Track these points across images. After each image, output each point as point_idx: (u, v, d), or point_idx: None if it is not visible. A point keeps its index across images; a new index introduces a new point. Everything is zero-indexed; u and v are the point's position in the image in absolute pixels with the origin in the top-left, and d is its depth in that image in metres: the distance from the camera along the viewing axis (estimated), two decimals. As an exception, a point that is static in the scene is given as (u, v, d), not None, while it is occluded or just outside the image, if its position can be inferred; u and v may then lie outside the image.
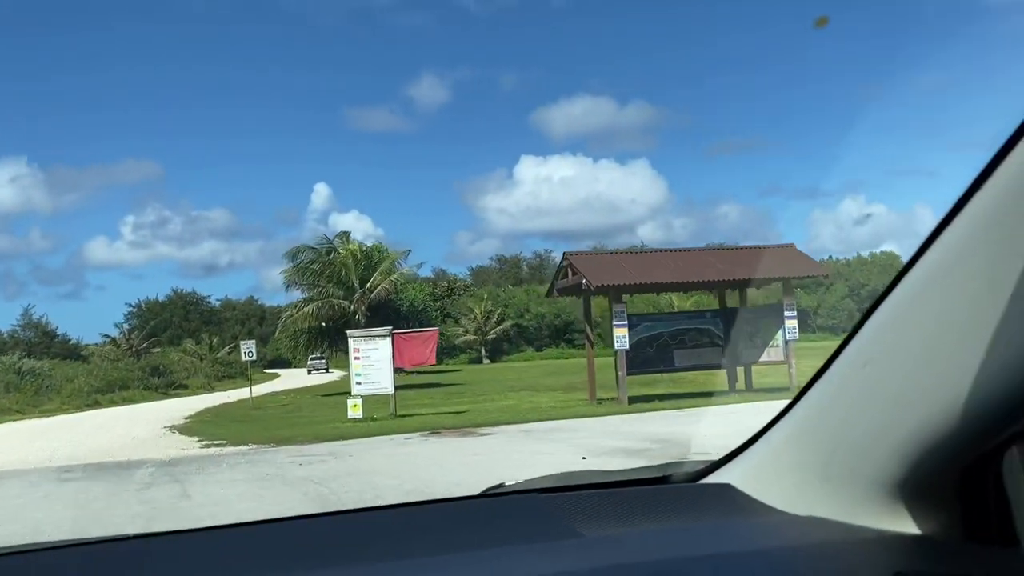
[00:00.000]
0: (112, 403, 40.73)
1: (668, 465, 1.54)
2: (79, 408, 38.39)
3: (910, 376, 0.93)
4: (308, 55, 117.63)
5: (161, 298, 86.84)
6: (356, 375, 19.89)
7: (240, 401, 31.22)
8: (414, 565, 1.09)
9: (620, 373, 17.84)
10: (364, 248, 32.60)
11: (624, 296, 18.26)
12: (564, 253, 19.57)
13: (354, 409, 19.39)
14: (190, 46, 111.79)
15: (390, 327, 21.02)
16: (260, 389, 41.89)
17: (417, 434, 15.48)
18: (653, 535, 1.20)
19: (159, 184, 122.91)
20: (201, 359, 59.38)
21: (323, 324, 31.96)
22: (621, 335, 17.81)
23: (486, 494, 1.51)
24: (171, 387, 49.11)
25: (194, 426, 21.44)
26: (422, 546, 1.17)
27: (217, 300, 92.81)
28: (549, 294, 20.67)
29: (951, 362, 0.85)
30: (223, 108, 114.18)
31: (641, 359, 18.18)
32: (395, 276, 32.16)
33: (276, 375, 66.08)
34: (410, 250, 33.22)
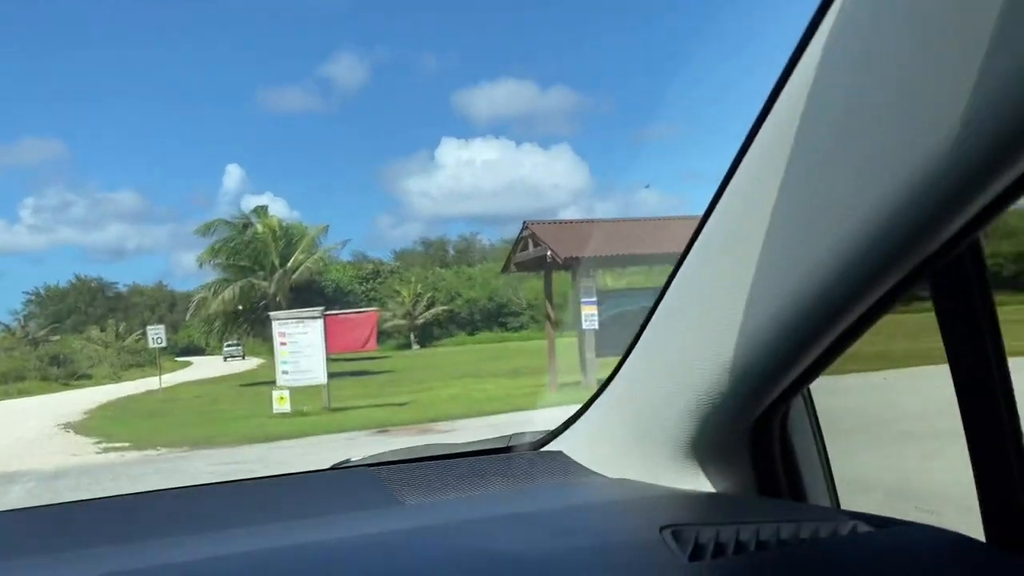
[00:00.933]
0: (6, 395, 36.52)
1: (511, 436, 1.54)
2: (-33, 402, 34.32)
3: (692, 344, 1.01)
4: (220, 30, 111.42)
5: (63, 284, 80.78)
6: (282, 363, 17.19)
7: (149, 392, 27.84)
8: (246, 533, 1.11)
9: (588, 355, 15.70)
10: (283, 225, 29.51)
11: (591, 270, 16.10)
12: (525, 222, 17.26)
13: (280, 402, 16.70)
14: (96, 18, 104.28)
15: (321, 308, 18.33)
16: (172, 379, 38.34)
17: (361, 433, 12.98)
18: (472, 500, 1.23)
19: (62, 165, 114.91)
20: (107, 347, 54.70)
21: (240, 307, 28.80)
22: (590, 313, 15.66)
23: (334, 467, 1.55)
24: (73, 377, 44.83)
25: (93, 423, 18.32)
26: (263, 516, 1.21)
27: (124, 286, 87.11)
28: (505, 269, 18.38)
29: (722, 329, 0.93)
30: (130, 85, 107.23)
31: (607, 340, 16.05)
32: (318, 255, 29.22)
33: (189, 363, 61.80)
34: (328, 225, 30.25)
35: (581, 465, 1.29)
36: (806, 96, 0.75)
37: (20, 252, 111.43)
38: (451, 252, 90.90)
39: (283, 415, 16.38)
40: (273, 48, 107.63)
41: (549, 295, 17.88)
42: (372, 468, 1.44)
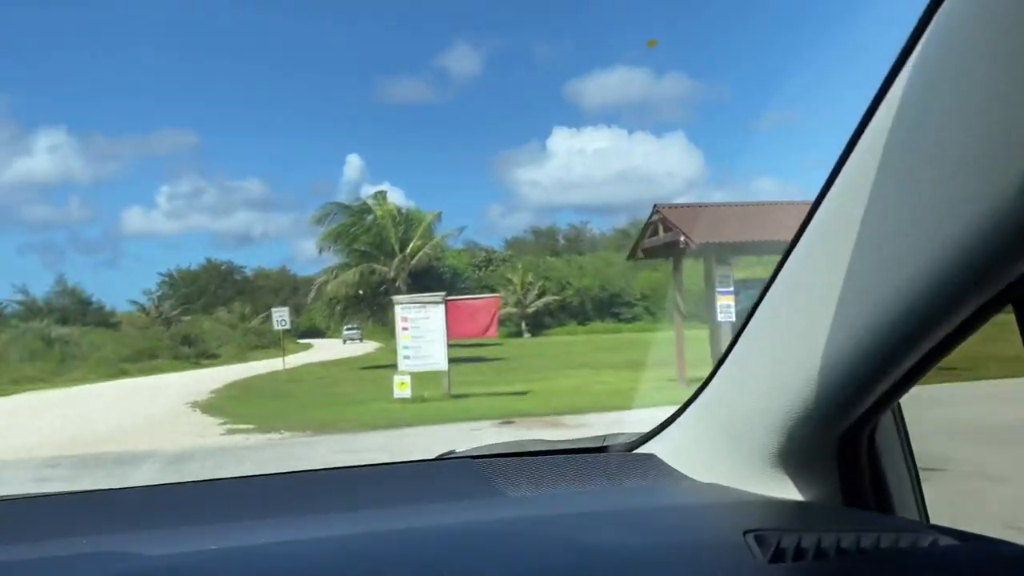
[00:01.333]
0: (140, 372, 38.22)
1: (609, 436, 1.58)
2: (105, 377, 35.91)
3: (784, 354, 1.02)
4: (340, 23, 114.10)
5: (195, 267, 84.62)
6: (404, 348, 16.79)
7: (272, 373, 28.32)
8: (353, 517, 1.15)
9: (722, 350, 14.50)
10: (401, 211, 29.35)
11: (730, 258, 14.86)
12: (655, 206, 16.17)
13: (401, 387, 16.32)
14: (224, 14, 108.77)
15: (443, 293, 17.83)
16: (294, 360, 39.16)
17: (486, 422, 12.33)
18: (567, 496, 1.27)
19: (195, 154, 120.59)
20: (233, 328, 56.83)
21: (360, 291, 28.85)
22: (726, 304, 14.47)
23: (440, 457, 1.59)
24: (202, 356, 46.54)
25: (219, 403, 18.52)
26: (370, 502, 1.25)
27: (251, 270, 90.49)
28: (632, 256, 17.35)
29: (814, 341, 0.94)
30: (257, 77, 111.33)
31: (743, 334, 14.83)
32: (435, 241, 28.90)
33: (310, 345, 63.47)
34: (441, 212, 29.85)
35: (672, 468, 1.30)
36: (903, 109, 0.75)
37: (156, 237, 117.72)
38: (561, 241, 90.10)
39: (403, 400, 16.00)
40: (392, 40, 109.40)
41: (679, 284, 16.76)
42: (475, 460, 1.49)
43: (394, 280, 28.08)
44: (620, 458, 1.43)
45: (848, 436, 1.04)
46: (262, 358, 49.15)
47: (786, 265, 1.00)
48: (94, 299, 69.12)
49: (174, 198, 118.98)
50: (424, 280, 28.99)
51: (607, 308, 55.91)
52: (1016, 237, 0.70)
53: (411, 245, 28.25)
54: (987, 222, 0.69)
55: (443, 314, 16.50)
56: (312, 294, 30.41)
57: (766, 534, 0.94)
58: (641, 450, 1.44)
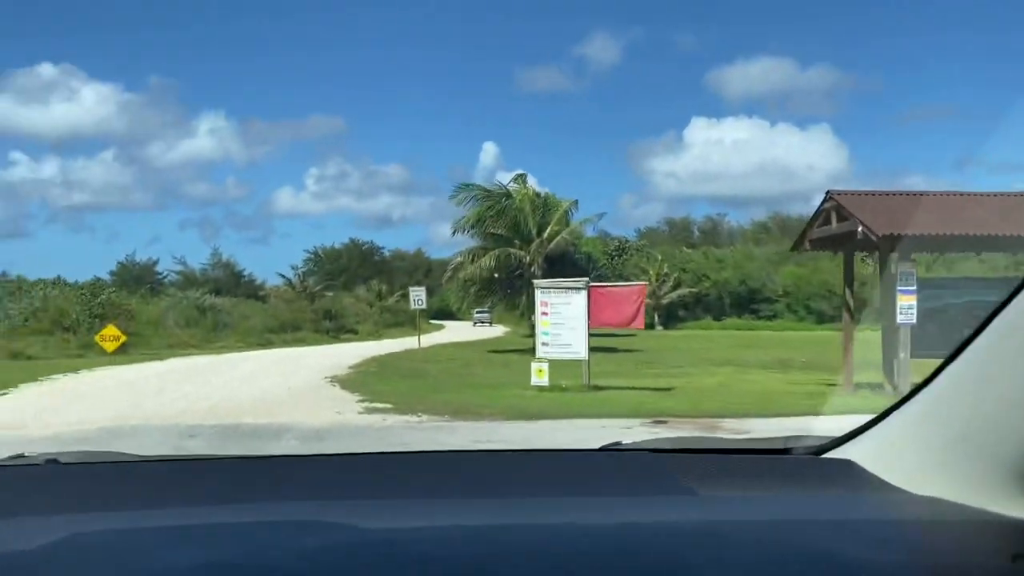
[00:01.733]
0: (284, 343, 39.51)
1: (788, 439, 1.46)
2: (251, 347, 37.29)
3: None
4: (482, 12, 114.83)
5: (338, 246, 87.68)
6: (543, 334, 15.98)
7: (408, 352, 28.36)
8: (535, 504, 1.10)
9: (902, 355, 12.82)
10: (539, 195, 28.55)
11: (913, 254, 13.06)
12: (828, 192, 14.49)
13: (539, 375, 15.54)
14: (372, 7, 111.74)
15: (586, 279, 16.88)
16: (427, 339, 39.35)
17: (636, 421, 11.31)
18: (770, 500, 1.18)
19: (341, 139, 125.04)
20: (370, 306, 58.23)
21: (495, 275, 28.35)
22: (907, 304, 12.75)
23: (605, 448, 1.51)
24: (341, 331, 47.83)
25: (358, 378, 18.39)
26: (543, 488, 1.19)
27: (389, 251, 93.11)
28: (797, 247, 15.73)
29: None
30: (401, 66, 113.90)
31: (925, 337, 13.04)
32: (572, 227, 27.94)
33: (441, 326, 64.27)
34: (577, 200, 28.82)
35: (877, 477, 1.19)
36: None
37: (304, 216, 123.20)
38: (696, 233, 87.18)
39: (541, 388, 15.23)
40: (532, 30, 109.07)
41: (850, 279, 15.02)
42: (647, 453, 1.42)
43: (530, 265, 27.37)
44: (813, 462, 1.33)
45: None
46: (397, 336, 50.07)
47: None
48: (246, 273, 72.89)
49: (321, 180, 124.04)
50: (559, 266, 28.14)
51: (745, 304, 53.25)
52: None
53: (548, 230, 27.42)
54: None
55: (585, 301, 15.57)
56: (447, 275, 30.14)
57: None
58: (833, 454, 1.30)
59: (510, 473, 1.32)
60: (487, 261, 26.64)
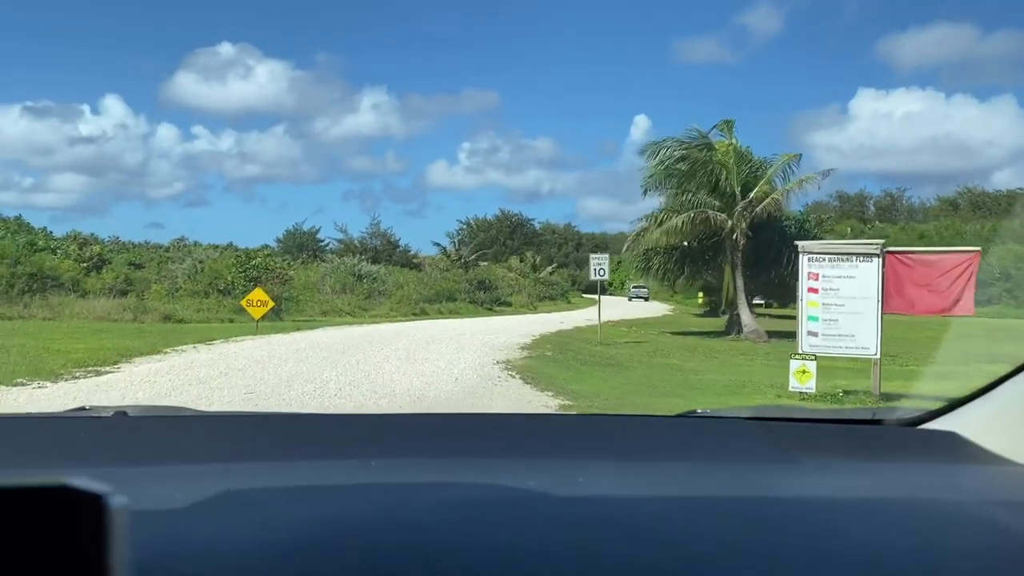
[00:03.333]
0: (439, 313, 36.20)
1: (878, 410, 1.36)
2: (406, 316, 34.15)
3: None
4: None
5: (489, 217, 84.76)
6: (810, 319, 10.85)
7: (579, 330, 23.84)
8: (622, 468, 1.05)
9: None
10: (746, 148, 23.00)
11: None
12: None
13: (802, 378, 10.49)
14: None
15: (881, 241, 11.51)
16: (581, 316, 34.86)
17: None
18: (867, 471, 1.09)
19: (494, 113, 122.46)
20: (523, 277, 54.30)
21: (686, 242, 23.18)
22: None
23: (683, 415, 1.43)
24: (496, 303, 44.18)
25: (538, 366, 13.93)
26: (628, 451, 1.13)
27: (539, 223, 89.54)
28: None
29: None
30: (550, 36, 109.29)
31: None
32: (790, 186, 22.22)
33: (595, 300, 59.66)
34: (801, 154, 22.95)
35: (983, 449, 1.09)
36: None
37: (456, 190, 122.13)
38: (871, 208, 78.06)
39: (804, 396, 10.20)
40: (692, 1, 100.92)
41: None
42: (728, 420, 1.32)
43: (731, 231, 21.97)
44: (911, 434, 1.23)
45: None
46: (551, 309, 45.98)
47: None
48: (402, 243, 71.42)
49: (473, 154, 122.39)
50: (764, 235, 22.59)
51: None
52: None
53: (755, 191, 21.89)
54: None
55: (878, 273, 10.32)
56: (627, 245, 25.20)
57: None
58: (932, 425, 1.20)
59: (579, 438, 1.24)
60: (679, 225, 21.46)
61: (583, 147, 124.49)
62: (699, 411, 1.46)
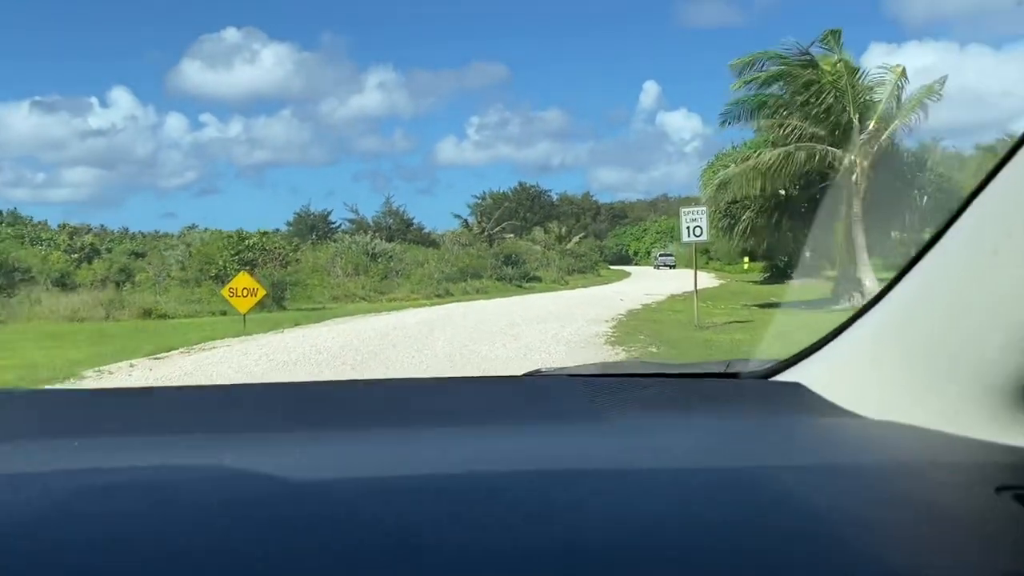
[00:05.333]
0: (465, 294, 31.02)
1: (734, 362, 1.26)
2: (428, 297, 28.97)
3: (1009, 263, 0.76)
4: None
5: (505, 190, 79.28)
6: None
7: (652, 310, 18.57)
8: (441, 433, 1.00)
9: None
10: (857, 68, 17.38)
11: None
12: None
13: None
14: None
15: None
16: (634, 289, 29.56)
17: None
18: (699, 426, 1.03)
19: (502, 86, 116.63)
20: (549, 249, 48.85)
21: (783, 189, 17.69)
22: None
23: (528, 374, 1.37)
24: (524, 279, 38.88)
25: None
26: (454, 417, 1.08)
27: (556, 194, 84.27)
28: None
29: None
30: (556, 4, 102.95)
31: None
32: (913, 104, 16.63)
33: (625, 272, 54.19)
34: (947, 76, 17.44)
35: (827, 400, 1.03)
36: None
37: (466, 167, 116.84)
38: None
39: None
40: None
41: None
42: (571, 379, 1.27)
43: (849, 171, 16.41)
44: (756, 386, 1.17)
45: None
46: (585, 284, 40.69)
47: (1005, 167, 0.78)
48: (415, 221, 66.35)
49: (482, 129, 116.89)
50: (886, 176, 17.00)
51: None
52: None
53: (874, 116, 16.31)
54: None
55: None
56: (705, 196, 19.51)
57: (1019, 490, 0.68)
58: (779, 378, 1.13)
59: (427, 402, 1.16)
60: (772, 160, 15.94)
61: (592, 117, 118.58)
62: (543, 370, 1.36)
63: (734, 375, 1.23)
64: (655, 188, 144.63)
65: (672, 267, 56.74)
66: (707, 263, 49.22)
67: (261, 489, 0.75)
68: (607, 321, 15.26)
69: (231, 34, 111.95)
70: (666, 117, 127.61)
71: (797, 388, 1.08)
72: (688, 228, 13.66)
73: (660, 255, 61.80)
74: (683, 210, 13.85)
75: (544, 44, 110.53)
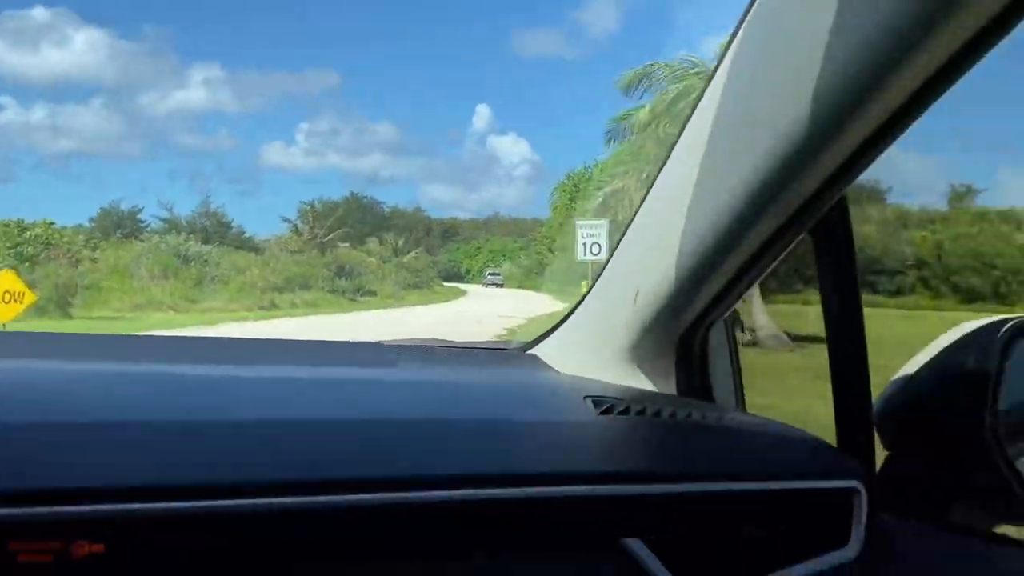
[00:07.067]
0: (292, 306, 27.26)
1: (512, 342, 1.50)
2: (250, 309, 24.97)
3: (633, 269, 1.08)
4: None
5: (336, 199, 74.62)
6: None
7: (521, 335, 16.35)
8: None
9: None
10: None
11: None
12: None
13: None
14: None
15: None
16: (454, 308, 27.40)
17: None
18: (457, 376, 1.26)
19: (334, 95, 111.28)
20: (385, 262, 45.57)
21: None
22: None
23: (372, 343, 1.51)
24: (358, 292, 35.39)
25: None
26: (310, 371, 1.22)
27: (388, 207, 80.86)
28: None
29: (650, 262, 1.03)
30: (397, 22, 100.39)
31: None
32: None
33: (460, 290, 51.98)
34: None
35: (547, 365, 1.30)
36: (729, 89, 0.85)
37: (294, 171, 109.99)
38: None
39: None
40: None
41: None
42: (384, 345, 1.42)
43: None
44: (505, 355, 1.45)
45: (685, 341, 1.11)
46: (425, 300, 37.90)
47: (645, 201, 1.05)
48: (235, 224, 60.15)
49: (312, 136, 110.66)
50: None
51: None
52: (795, 171, 0.79)
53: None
54: (769, 162, 0.80)
55: None
56: (551, 210, 17.43)
57: (602, 399, 0.97)
58: (530, 351, 1.39)
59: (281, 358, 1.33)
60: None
61: (426, 134, 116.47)
62: (385, 342, 1.47)
63: (503, 349, 1.53)
64: (485, 208, 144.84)
65: (500, 286, 55.88)
66: (540, 285, 47.66)
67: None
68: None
69: (40, 13, 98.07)
70: (496, 140, 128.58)
71: (532, 357, 1.32)
72: (584, 244, 11.50)
73: (489, 274, 61.39)
74: (579, 223, 11.69)
75: (380, 58, 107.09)
